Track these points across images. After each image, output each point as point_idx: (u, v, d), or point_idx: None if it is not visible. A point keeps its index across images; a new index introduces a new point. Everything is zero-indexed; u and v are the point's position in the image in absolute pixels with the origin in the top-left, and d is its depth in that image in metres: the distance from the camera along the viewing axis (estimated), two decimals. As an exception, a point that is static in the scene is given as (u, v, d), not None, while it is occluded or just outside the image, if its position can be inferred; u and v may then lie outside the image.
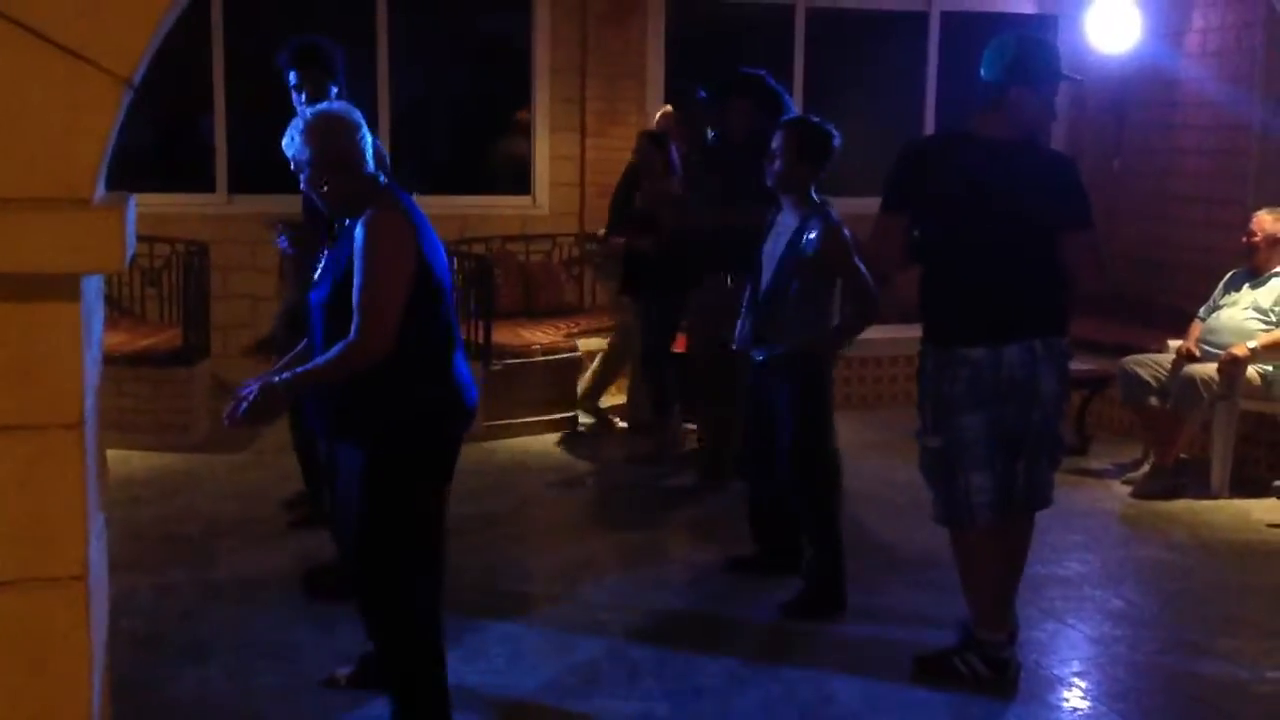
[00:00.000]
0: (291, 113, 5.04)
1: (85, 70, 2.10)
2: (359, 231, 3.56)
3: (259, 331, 9.01)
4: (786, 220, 5.10)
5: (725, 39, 10.14)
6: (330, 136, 3.68)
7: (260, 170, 9.42)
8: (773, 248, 5.11)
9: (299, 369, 3.64)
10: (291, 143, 3.71)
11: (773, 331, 5.06)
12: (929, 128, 10.26)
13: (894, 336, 9.05)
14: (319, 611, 4.94)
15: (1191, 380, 6.72)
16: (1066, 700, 4.41)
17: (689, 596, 5.34)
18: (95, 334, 2.42)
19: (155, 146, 9.60)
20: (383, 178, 3.78)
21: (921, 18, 10.20)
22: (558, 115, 9.53)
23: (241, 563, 5.55)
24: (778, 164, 5.01)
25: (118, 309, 8.36)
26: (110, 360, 7.00)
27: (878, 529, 6.18)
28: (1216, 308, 6.98)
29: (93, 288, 2.35)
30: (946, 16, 10.20)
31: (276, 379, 3.61)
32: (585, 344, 8.62)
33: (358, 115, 3.79)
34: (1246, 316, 6.82)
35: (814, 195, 5.06)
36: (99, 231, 2.14)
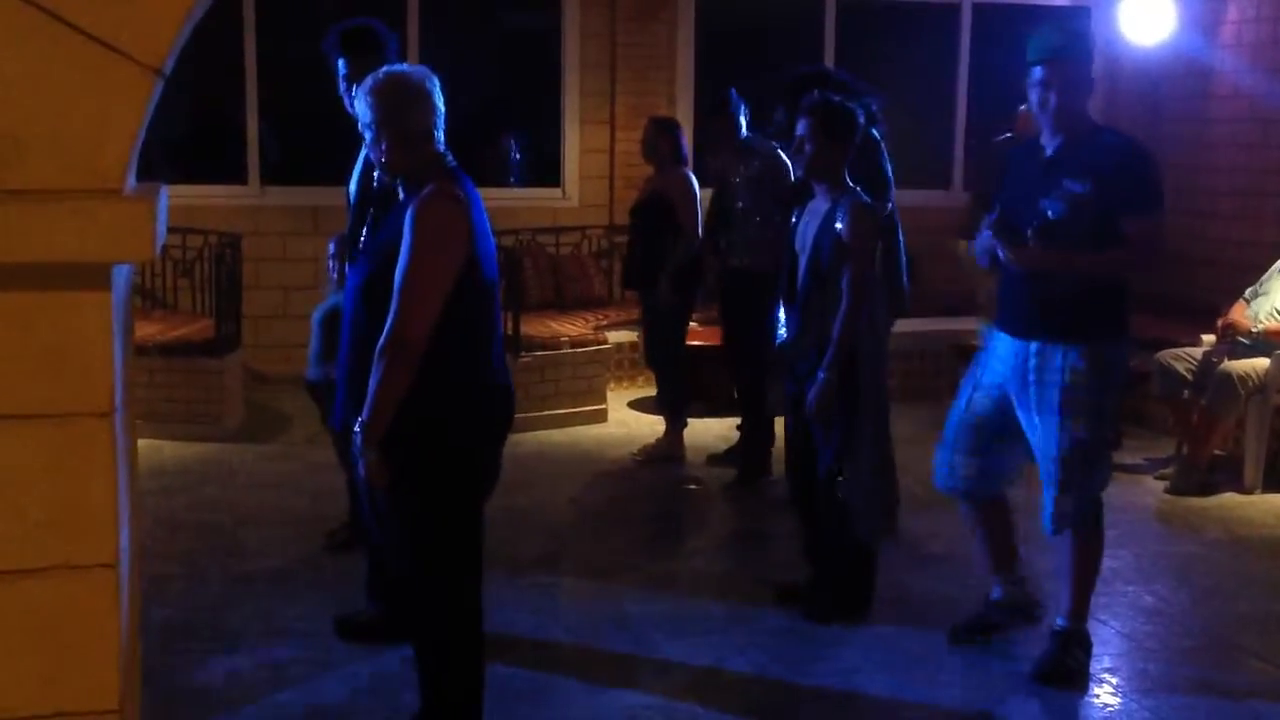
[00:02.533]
0: (336, 106, 4.82)
1: (116, 60, 2.10)
2: (410, 211, 3.34)
3: (292, 323, 9.07)
4: (818, 205, 4.89)
5: (755, 32, 10.11)
6: (396, 100, 3.43)
7: (292, 162, 9.49)
8: (804, 236, 4.90)
9: (367, 405, 3.34)
10: (360, 101, 3.49)
11: (811, 321, 4.82)
12: (960, 121, 10.22)
13: (913, 330, 9.02)
14: (347, 601, 4.95)
15: (1227, 377, 6.67)
16: (1097, 696, 4.38)
17: (712, 591, 5.33)
18: (126, 323, 2.43)
19: (188, 138, 9.65)
20: (451, 158, 3.53)
21: (954, 9, 10.15)
22: (587, 108, 9.54)
23: (271, 552, 5.57)
24: (806, 149, 4.84)
25: (150, 300, 8.42)
26: (143, 351, 7.07)
27: (906, 525, 6.15)
28: (1260, 293, 6.94)
29: (123, 277, 2.36)
30: (979, 8, 10.15)
31: (357, 429, 3.36)
32: (614, 336, 8.62)
33: (433, 83, 3.51)
34: (1271, 310, 6.79)
35: (846, 179, 4.85)
36: (130, 221, 2.14)
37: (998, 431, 4.43)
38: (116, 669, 2.26)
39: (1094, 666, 4.60)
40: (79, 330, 2.18)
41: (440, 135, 3.49)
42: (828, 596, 4.95)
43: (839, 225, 4.74)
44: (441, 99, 3.51)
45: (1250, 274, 7.09)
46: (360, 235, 4.40)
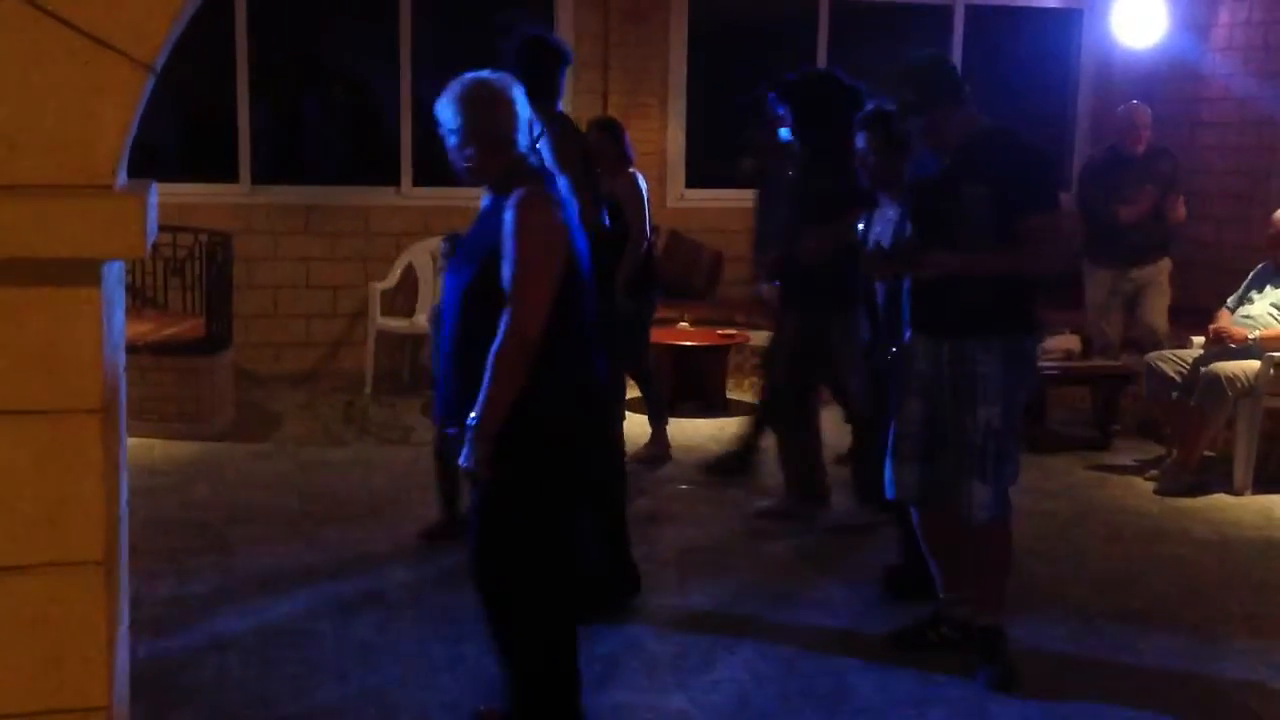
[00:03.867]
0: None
1: (107, 56, 2.10)
2: (509, 214, 3.39)
3: (283, 322, 9.06)
4: (887, 214, 5.02)
5: (749, 32, 10.13)
6: (482, 106, 3.49)
7: (284, 161, 9.48)
8: (878, 242, 4.97)
9: (480, 404, 3.39)
10: (443, 107, 3.53)
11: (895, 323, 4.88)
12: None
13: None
14: (338, 600, 4.96)
15: (1216, 378, 6.69)
16: (1087, 697, 4.39)
17: (710, 591, 5.33)
18: (117, 320, 2.42)
19: (180, 137, 9.64)
20: (534, 158, 3.59)
21: (946, 11, 10.16)
22: (580, 108, 9.52)
23: (262, 551, 5.56)
24: (870, 160, 5.04)
25: (141, 298, 8.40)
26: (133, 349, 7.02)
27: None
28: (1245, 300, 6.95)
29: (114, 274, 2.35)
30: (971, 10, 10.16)
31: (470, 424, 3.41)
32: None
33: (518, 90, 3.56)
34: (1267, 311, 6.79)
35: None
36: (120, 217, 2.14)
37: (938, 434, 4.42)
38: (106, 666, 2.26)
39: (1085, 667, 4.61)
40: (69, 326, 2.17)
41: (523, 140, 3.53)
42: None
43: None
44: (524, 104, 3.55)
45: (1241, 278, 7.10)
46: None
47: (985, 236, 4.25)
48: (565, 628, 3.69)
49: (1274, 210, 7.06)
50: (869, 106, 5.17)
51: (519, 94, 3.55)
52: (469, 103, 3.50)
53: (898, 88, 4.44)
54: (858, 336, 5.63)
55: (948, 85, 4.43)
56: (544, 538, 3.60)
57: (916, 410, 4.43)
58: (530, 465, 3.50)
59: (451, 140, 3.54)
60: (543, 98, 4.75)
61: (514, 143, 3.52)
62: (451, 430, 3.60)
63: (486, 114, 3.49)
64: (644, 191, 6.90)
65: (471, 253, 3.55)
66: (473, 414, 3.41)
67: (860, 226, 5.25)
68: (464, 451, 3.45)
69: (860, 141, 5.08)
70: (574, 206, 3.58)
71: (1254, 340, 6.70)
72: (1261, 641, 4.87)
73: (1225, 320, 6.93)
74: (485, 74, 3.58)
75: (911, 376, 4.44)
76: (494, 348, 3.37)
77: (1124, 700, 4.35)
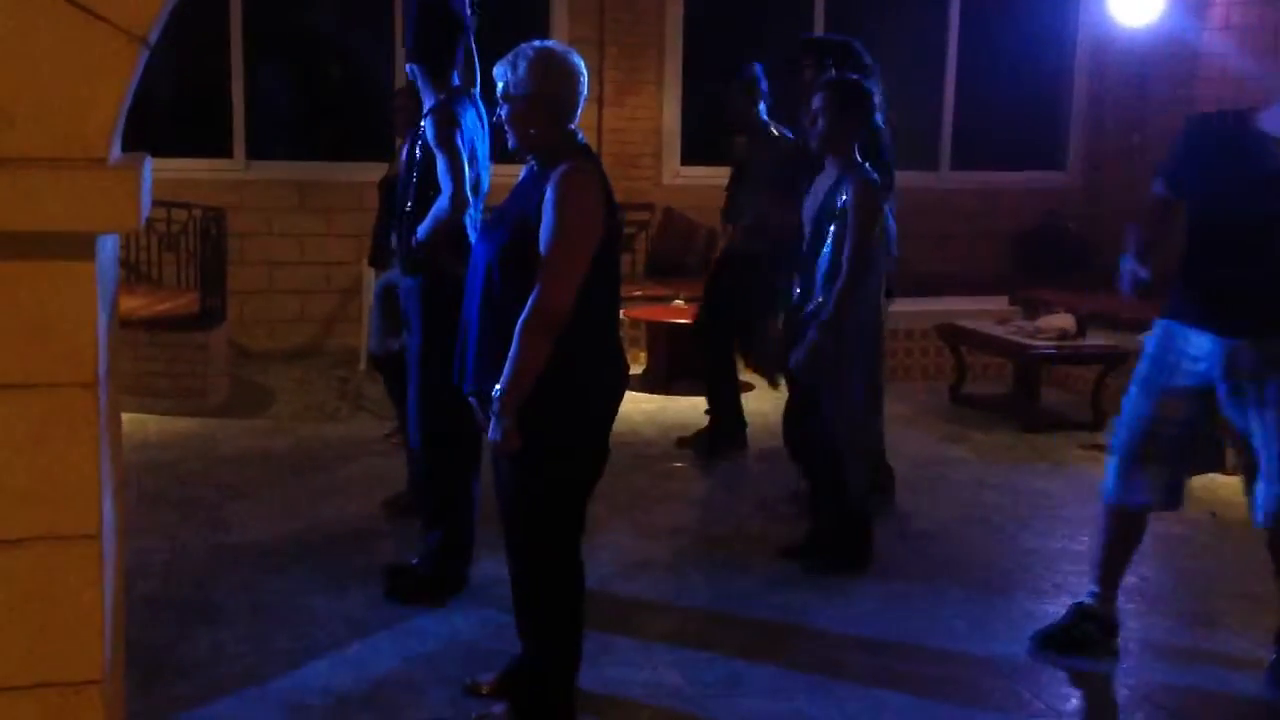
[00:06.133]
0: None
1: (100, 28, 2.09)
2: (552, 187, 3.39)
3: (277, 298, 9.05)
4: (825, 179, 5.05)
5: (745, 10, 10.10)
6: (553, 76, 3.47)
7: (279, 136, 9.45)
8: (810, 208, 5.08)
9: (504, 375, 3.37)
10: (511, 70, 3.49)
11: (813, 287, 5.02)
12: (949, 102, 10.22)
13: (909, 310, 9.04)
14: (331, 576, 4.96)
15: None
16: (1078, 674, 4.41)
17: (704, 571, 5.34)
18: (111, 294, 2.42)
19: (174, 112, 9.61)
20: (580, 135, 3.58)
21: (943, -12, 10.14)
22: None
23: (256, 527, 5.57)
24: (820, 124, 4.97)
25: (135, 274, 8.39)
26: (128, 324, 7.05)
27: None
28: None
29: (108, 248, 2.35)
30: (968, -13, 10.14)
31: (495, 396, 3.40)
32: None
33: (582, 66, 3.54)
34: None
35: (855, 155, 5.00)
36: (114, 191, 2.13)
37: (1193, 437, 4.30)
38: (99, 639, 2.26)
39: (1075, 645, 4.64)
40: (62, 300, 2.17)
41: (578, 116, 3.53)
42: (826, 551, 5.17)
43: (843, 198, 4.89)
44: (586, 83, 3.55)
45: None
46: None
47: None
48: (577, 604, 3.71)
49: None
50: (830, 74, 5.14)
51: (584, 71, 3.54)
52: (540, 70, 3.47)
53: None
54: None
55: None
56: (564, 514, 3.62)
57: (1181, 410, 4.23)
58: (560, 438, 3.50)
59: (507, 106, 3.51)
60: (440, 70, 4.71)
61: (569, 118, 3.52)
62: (471, 397, 3.61)
63: (552, 82, 3.47)
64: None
65: (504, 221, 3.54)
66: (497, 385, 3.41)
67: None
68: (490, 425, 3.44)
69: (816, 102, 5.00)
70: (610, 185, 3.55)
71: None
72: (1256, 619, 4.88)
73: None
74: (553, 44, 3.58)
75: (1179, 375, 4.22)
76: (521, 318, 3.36)
77: (1115, 678, 4.37)
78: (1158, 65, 9.48)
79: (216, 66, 9.05)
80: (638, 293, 8.74)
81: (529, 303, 3.36)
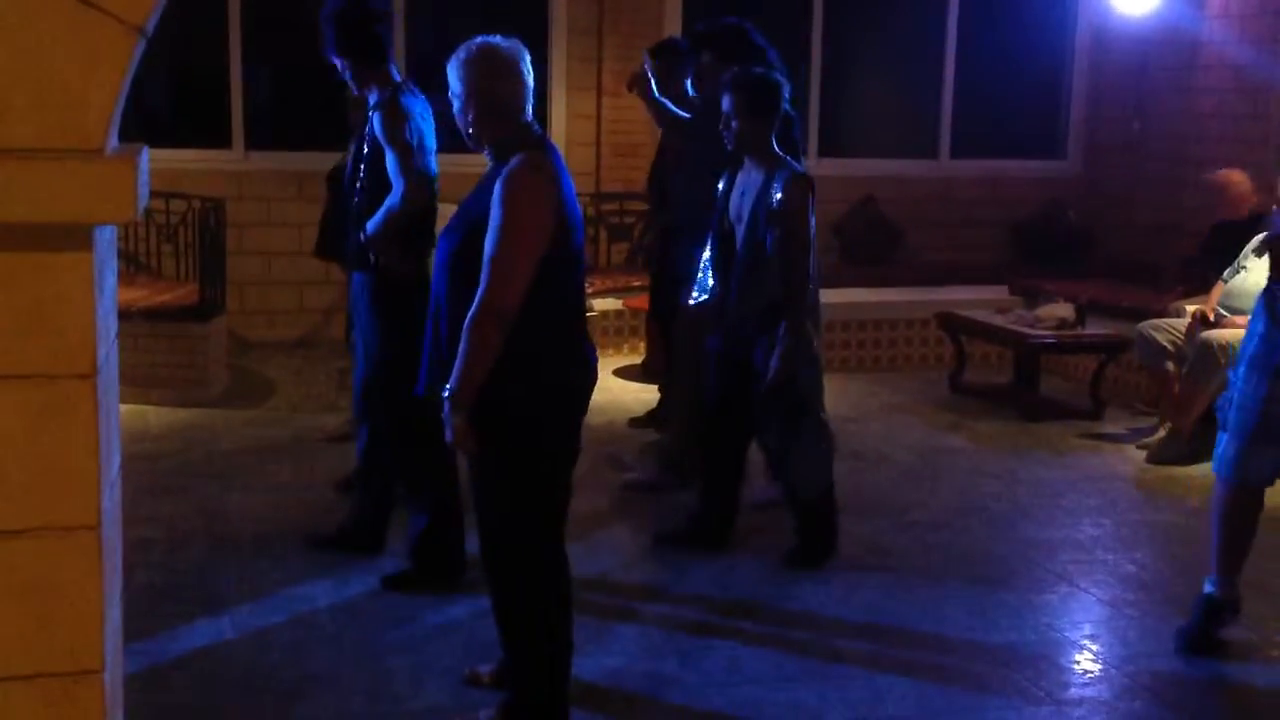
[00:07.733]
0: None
1: (96, 18, 2.08)
2: (500, 183, 3.37)
3: (276, 288, 9.05)
4: (752, 177, 5.03)
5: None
6: (485, 73, 3.46)
7: (278, 127, 9.44)
8: (740, 207, 5.06)
9: (454, 375, 3.37)
10: (453, 69, 3.50)
11: (752, 288, 5.00)
12: (948, 93, 10.21)
13: (909, 299, 9.05)
14: (332, 564, 4.96)
15: (1207, 346, 6.69)
16: (1078, 663, 4.42)
17: (703, 563, 5.35)
18: (109, 285, 2.41)
19: (173, 102, 9.60)
20: (537, 128, 3.56)
21: (943, -23, 10.12)
22: (574, 74, 9.50)
23: (256, 516, 5.57)
24: (734, 124, 4.97)
25: (134, 264, 8.39)
26: (126, 315, 7.03)
27: (890, 491, 6.18)
28: (1240, 270, 6.93)
29: (106, 239, 2.34)
30: (968, -24, 10.13)
31: (445, 394, 3.40)
32: (600, 304, 8.62)
33: (524, 57, 3.53)
34: (1261, 280, 6.77)
35: (775, 149, 5.02)
36: (111, 182, 2.12)
37: None
38: (99, 629, 2.26)
39: (1075, 634, 4.65)
40: (60, 291, 2.17)
41: (528, 107, 3.51)
42: (804, 544, 5.20)
43: (777, 196, 4.90)
44: (530, 73, 3.53)
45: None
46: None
47: None
48: (557, 597, 3.67)
49: (1268, 175, 7.04)
50: (734, 70, 5.12)
51: (526, 61, 3.52)
52: (472, 67, 3.48)
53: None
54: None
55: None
56: (535, 517, 3.58)
57: None
58: (516, 436, 3.47)
59: (455, 104, 3.53)
60: (370, 62, 4.72)
61: (517, 110, 3.50)
62: (420, 395, 3.62)
63: (488, 79, 3.47)
64: None
65: (463, 218, 3.53)
66: (447, 384, 3.40)
67: (720, 186, 5.19)
68: (444, 418, 3.44)
69: (726, 104, 4.98)
70: (569, 176, 3.54)
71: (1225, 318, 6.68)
72: (1251, 607, 4.88)
73: (1218, 294, 6.93)
74: (495, 39, 3.55)
75: None
76: (468, 316, 3.35)
77: (1114, 666, 4.38)
78: (1158, 53, 9.46)
79: (215, 57, 9.02)
80: (636, 283, 8.74)
81: (475, 301, 3.35)
